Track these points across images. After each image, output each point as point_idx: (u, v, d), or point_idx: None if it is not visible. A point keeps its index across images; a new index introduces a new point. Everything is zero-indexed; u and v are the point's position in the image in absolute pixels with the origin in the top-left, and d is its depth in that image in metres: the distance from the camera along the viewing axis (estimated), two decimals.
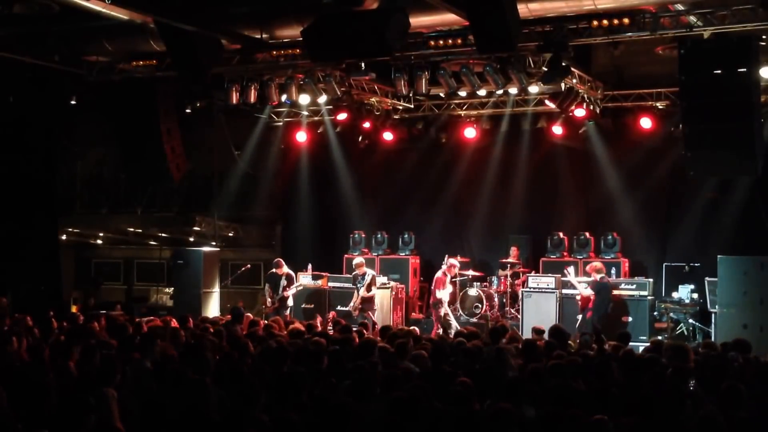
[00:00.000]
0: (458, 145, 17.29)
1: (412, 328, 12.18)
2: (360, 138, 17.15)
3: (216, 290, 16.88)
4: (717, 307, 13.56)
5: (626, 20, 11.69)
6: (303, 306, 16.13)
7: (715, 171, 13.22)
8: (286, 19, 12.66)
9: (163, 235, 20.23)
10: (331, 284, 16.46)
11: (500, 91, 14.19)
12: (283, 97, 14.49)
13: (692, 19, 11.59)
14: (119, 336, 9.22)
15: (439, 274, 15.18)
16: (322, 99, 14.94)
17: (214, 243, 17.96)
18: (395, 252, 17.55)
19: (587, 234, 16.02)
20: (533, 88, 13.89)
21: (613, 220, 16.13)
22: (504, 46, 11.16)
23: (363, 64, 13.46)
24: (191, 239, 19.54)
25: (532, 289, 15.20)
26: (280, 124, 18.20)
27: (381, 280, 16.03)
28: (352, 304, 15.05)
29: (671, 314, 14.62)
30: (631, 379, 7.58)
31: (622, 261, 15.59)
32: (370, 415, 5.94)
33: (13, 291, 15.23)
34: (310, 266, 16.75)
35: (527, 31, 11.96)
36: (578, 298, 13.97)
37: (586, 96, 14.50)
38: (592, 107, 14.93)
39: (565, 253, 16.10)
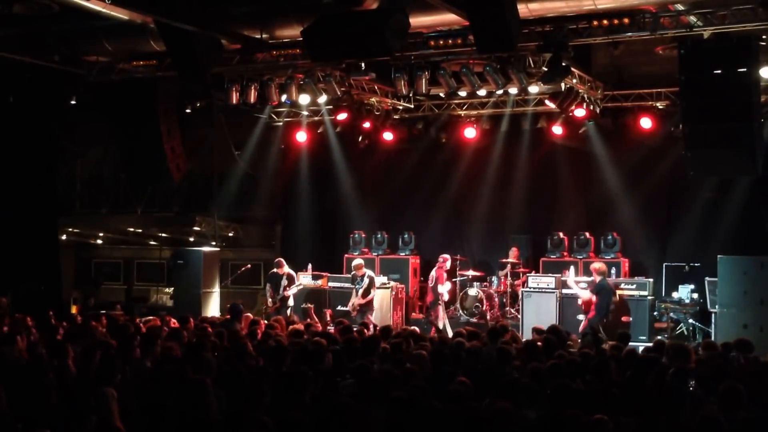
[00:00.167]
0: (458, 145, 17.29)
1: (412, 328, 12.18)
2: (360, 138, 17.14)
3: (216, 290, 16.87)
4: (717, 307, 13.55)
5: (626, 20, 11.70)
6: (303, 306, 16.13)
7: (715, 171, 13.23)
8: (286, 19, 12.66)
9: (163, 235, 20.25)
10: (331, 284, 16.48)
11: (500, 91, 14.18)
12: (283, 97, 14.48)
13: (692, 19, 11.59)
14: (119, 336, 9.22)
15: (434, 273, 15.29)
16: (322, 99, 14.94)
17: (214, 243, 17.95)
18: (395, 252, 17.55)
19: (587, 234, 16.02)
20: (533, 88, 13.90)
21: (613, 220, 16.13)
22: (504, 46, 11.16)
23: (363, 64, 13.45)
24: (191, 239, 19.55)
25: (532, 289, 15.20)
26: (280, 124, 18.20)
27: (381, 279, 16.05)
28: (350, 304, 15.06)
29: (671, 314, 14.61)
30: (632, 379, 7.58)
31: (622, 261, 15.60)
32: (372, 415, 5.94)
33: (13, 291, 15.23)
34: (310, 266, 16.77)
35: (527, 31, 11.96)
36: (580, 302, 13.90)
37: (586, 96, 14.50)
38: (592, 107, 14.93)
39: (565, 253, 16.10)
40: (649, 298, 14.58)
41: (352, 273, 15.36)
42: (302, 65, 13.87)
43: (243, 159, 18.41)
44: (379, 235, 17.65)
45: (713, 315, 13.76)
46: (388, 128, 16.98)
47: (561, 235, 16.20)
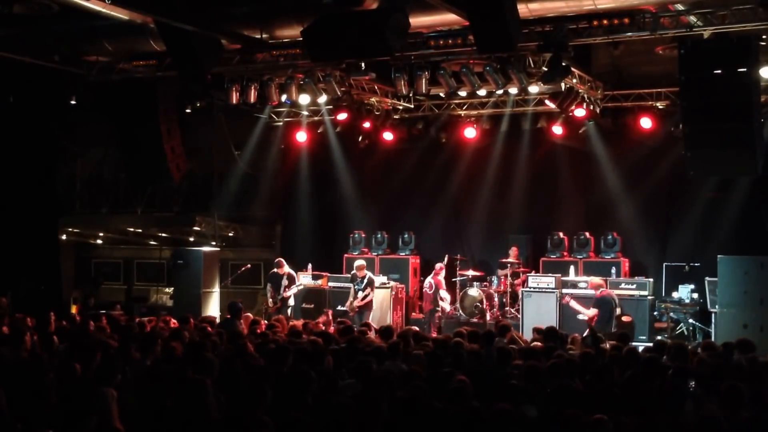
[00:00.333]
0: (458, 145, 17.29)
1: (412, 328, 12.18)
2: (360, 138, 17.14)
3: (216, 290, 16.87)
4: (717, 306, 13.56)
5: (626, 20, 11.67)
6: (303, 306, 16.15)
7: (715, 171, 13.21)
8: (286, 19, 12.64)
9: (163, 235, 20.24)
10: (331, 284, 16.49)
11: (500, 91, 14.18)
12: (283, 97, 14.47)
13: (692, 19, 11.58)
14: (119, 336, 9.23)
15: (431, 280, 15.66)
16: (322, 99, 14.92)
17: (214, 243, 17.95)
18: (395, 252, 17.55)
19: (587, 234, 16.03)
20: (533, 88, 13.88)
21: (613, 220, 16.13)
22: (504, 46, 11.15)
23: (363, 64, 13.44)
24: (191, 239, 19.55)
25: (532, 289, 15.22)
26: (280, 124, 18.20)
27: (381, 279, 16.09)
28: (348, 304, 15.09)
29: (671, 314, 14.61)
30: (632, 379, 7.58)
31: (622, 261, 15.60)
32: (373, 415, 5.93)
33: (13, 291, 15.23)
34: (310, 266, 16.78)
35: (527, 31, 11.94)
36: (586, 319, 13.80)
37: (586, 96, 14.50)
38: (592, 107, 14.93)
39: (565, 253, 16.11)
40: (649, 298, 14.59)
41: (353, 273, 15.37)
42: (302, 65, 13.85)
43: (243, 159, 18.40)
44: (379, 235, 17.65)
45: (713, 315, 13.77)
46: (388, 128, 16.98)
47: (561, 234, 16.20)
